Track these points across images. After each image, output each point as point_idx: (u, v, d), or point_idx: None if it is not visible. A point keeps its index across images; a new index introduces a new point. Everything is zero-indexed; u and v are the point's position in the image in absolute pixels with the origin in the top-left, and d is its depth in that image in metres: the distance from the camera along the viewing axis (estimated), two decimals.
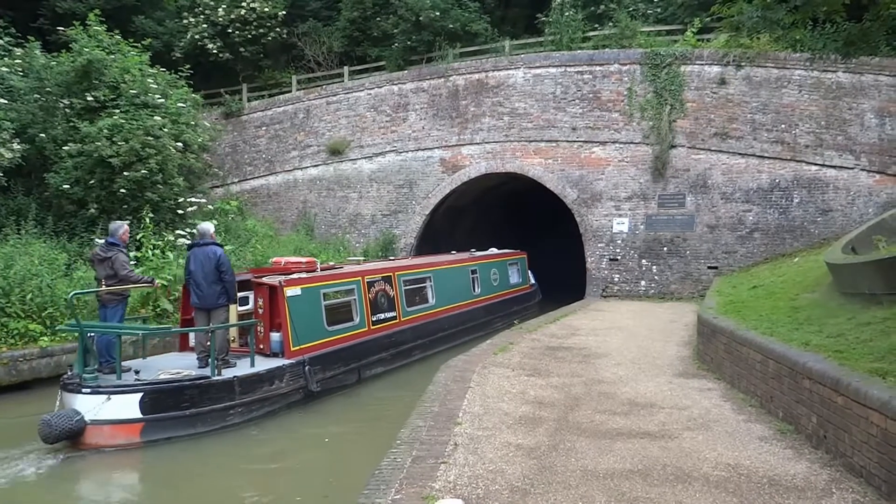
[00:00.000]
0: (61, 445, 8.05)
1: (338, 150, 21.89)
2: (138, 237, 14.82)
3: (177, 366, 9.35)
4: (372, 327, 12.23)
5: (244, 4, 23.75)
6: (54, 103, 16.56)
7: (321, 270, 11.84)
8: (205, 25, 23.89)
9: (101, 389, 8.32)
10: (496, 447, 6.11)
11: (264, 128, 22.92)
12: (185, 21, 24.35)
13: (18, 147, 15.33)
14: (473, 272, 16.76)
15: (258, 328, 10.33)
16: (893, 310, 7.06)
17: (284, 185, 22.68)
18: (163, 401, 8.47)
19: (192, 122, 17.91)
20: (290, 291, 10.39)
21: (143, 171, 15.39)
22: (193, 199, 17.33)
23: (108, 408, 8.19)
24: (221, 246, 9.71)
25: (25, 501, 6.96)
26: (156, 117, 16.07)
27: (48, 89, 16.65)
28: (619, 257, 19.07)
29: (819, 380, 5.88)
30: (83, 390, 8.28)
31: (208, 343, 9.11)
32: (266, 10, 24.11)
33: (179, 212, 16.73)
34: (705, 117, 18.32)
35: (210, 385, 8.81)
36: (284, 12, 24.81)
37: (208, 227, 9.78)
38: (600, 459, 5.79)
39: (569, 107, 19.44)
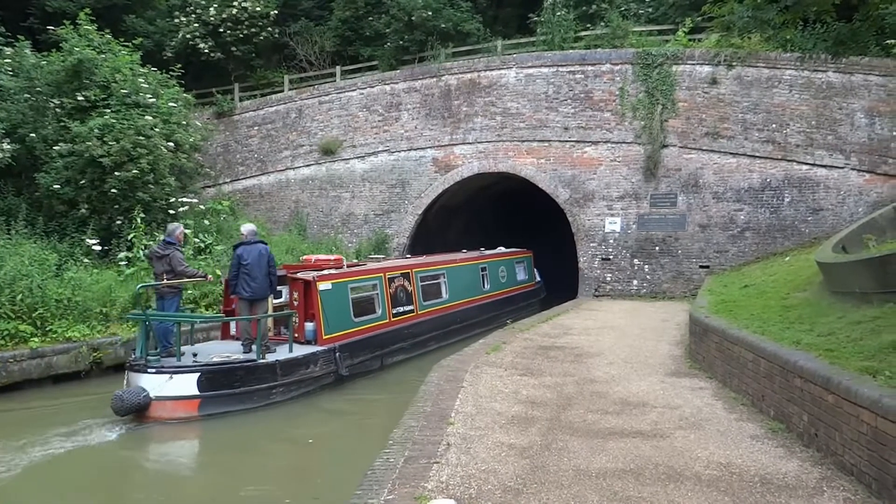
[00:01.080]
0: (130, 418, 9.08)
1: (330, 150, 21.84)
2: (129, 237, 14.75)
3: (223, 351, 10.39)
4: (392, 319, 13.35)
5: (236, 4, 23.64)
6: (44, 103, 16.46)
7: (347, 267, 13.00)
8: (196, 25, 23.78)
9: (164, 369, 9.46)
10: (489, 447, 6.11)
11: (256, 127, 22.85)
12: (176, 20, 24.23)
13: (8, 147, 15.25)
14: (483, 269, 17.72)
15: (293, 318, 11.27)
16: (884, 308, 7.10)
17: (276, 184, 22.63)
18: (217, 380, 9.61)
19: (184, 122, 17.83)
20: (322, 286, 11.51)
21: (134, 171, 15.31)
22: (185, 199, 17.26)
23: (170, 386, 9.35)
24: (266, 244, 10.81)
25: (103, 463, 8.13)
26: (147, 117, 15.99)
27: (38, 89, 16.56)
28: (611, 257, 19.10)
29: (810, 378, 5.91)
30: (148, 370, 9.42)
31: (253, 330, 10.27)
32: (258, 9, 24.01)
33: (171, 212, 16.63)
34: (697, 117, 18.37)
35: (256, 367, 9.95)
36: (276, 12, 24.71)
37: (253, 227, 11.00)
38: (593, 459, 5.80)
39: (561, 106, 19.46)
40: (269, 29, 24.66)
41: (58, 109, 16.24)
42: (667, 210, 18.65)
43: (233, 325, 11.78)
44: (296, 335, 11.04)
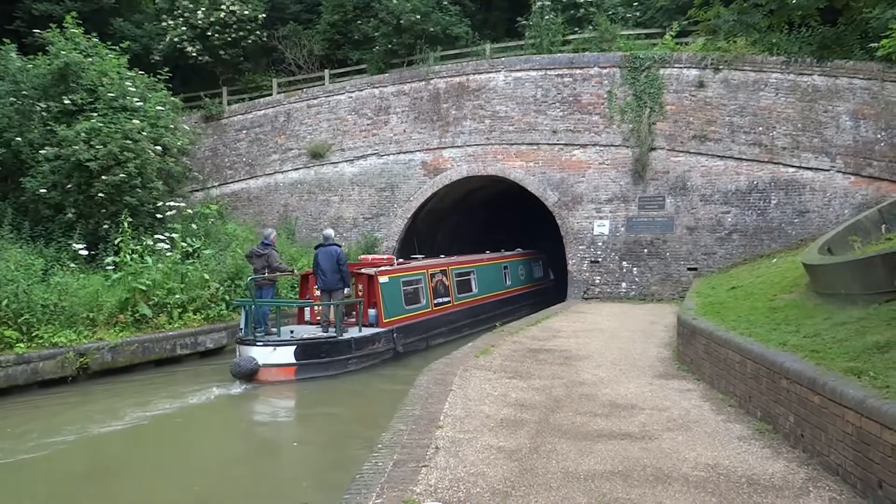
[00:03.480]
0: (242, 381, 11.59)
1: (319, 154, 21.81)
2: (116, 242, 14.65)
3: (306, 332, 12.89)
4: (434, 308, 15.85)
5: (223, 7, 23.56)
6: (31, 106, 16.34)
7: (397, 265, 15.30)
8: (184, 28, 23.67)
9: (269, 343, 12.02)
10: (477, 450, 6.11)
11: (244, 131, 22.79)
12: (163, 24, 24.10)
13: None
14: (505, 268, 20.15)
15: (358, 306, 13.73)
16: (868, 310, 7.16)
17: (265, 188, 22.57)
18: (309, 351, 12.18)
19: (172, 126, 17.74)
20: (382, 279, 14.03)
21: (121, 175, 15.23)
22: (173, 203, 17.16)
23: (274, 355, 11.89)
24: (340, 246, 13.28)
25: (229, 410, 10.95)
26: (134, 121, 15.91)
27: (24, 92, 16.43)
28: (599, 259, 19.16)
29: (796, 379, 5.95)
30: (257, 343, 11.97)
31: (330, 314, 12.86)
32: (246, 12, 23.93)
33: (158, 216, 16.56)
34: (684, 120, 18.48)
35: (337, 342, 12.55)
36: (264, 15, 24.65)
37: (331, 232, 13.58)
38: (581, 461, 5.81)
39: (549, 110, 19.53)
40: (258, 32, 24.58)
41: (44, 113, 16.14)
42: (655, 213, 18.73)
43: (307, 310, 14.50)
44: (356, 320, 13.48)
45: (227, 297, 15.18)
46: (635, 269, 18.84)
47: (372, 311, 13.86)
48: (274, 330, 12.56)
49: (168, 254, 15.05)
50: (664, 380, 9.02)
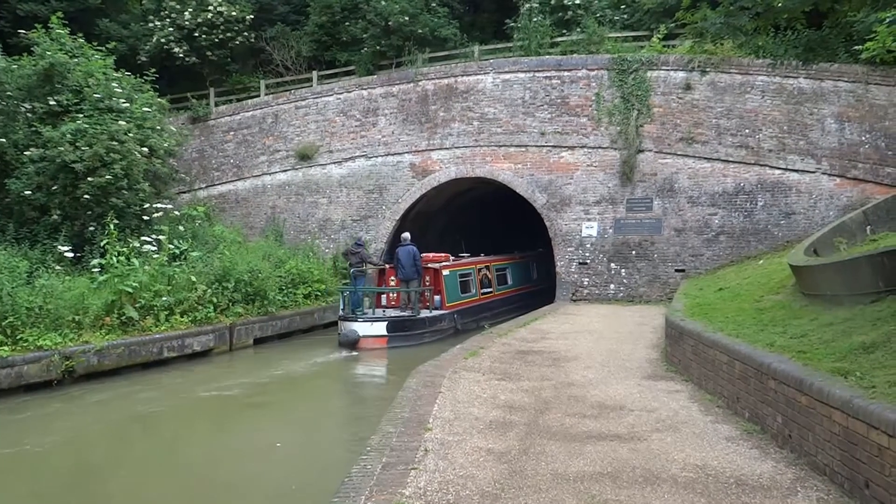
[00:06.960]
0: (348, 349, 14.93)
1: (307, 155, 21.75)
2: (102, 244, 14.51)
3: (389, 313, 16.33)
4: (481, 296, 19.10)
5: (211, 8, 23.48)
6: (15, 107, 16.19)
7: (452, 261, 18.42)
8: (171, 29, 23.57)
9: (367, 319, 15.41)
10: (467, 452, 6.10)
11: (232, 132, 22.68)
12: (150, 24, 23.99)
13: None
14: (532, 264, 23.47)
15: (425, 293, 17.00)
16: (854, 310, 7.22)
17: (253, 190, 22.47)
18: (397, 326, 15.54)
19: (158, 127, 17.63)
20: (445, 272, 17.54)
21: (107, 177, 15.11)
22: (159, 205, 17.05)
23: (371, 329, 15.17)
24: (416, 246, 16.51)
25: (338, 369, 14.16)
26: (120, 122, 15.80)
27: (9, 93, 16.27)
28: (588, 261, 19.20)
29: (783, 380, 5.98)
30: (358, 319, 15.26)
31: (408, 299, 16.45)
32: (233, 13, 23.87)
33: (145, 218, 16.45)
34: (671, 122, 18.56)
35: (417, 320, 16.02)
36: (252, 16, 24.59)
37: (408, 235, 16.95)
38: (570, 462, 5.82)
39: (537, 112, 19.56)
40: (245, 34, 24.52)
41: (29, 114, 16.00)
42: (643, 214, 18.79)
43: (383, 296, 17.59)
44: (427, 304, 16.90)
45: (215, 300, 15.08)
46: (623, 270, 18.90)
47: (437, 298, 17.15)
48: (369, 310, 16.02)
49: (155, 256, 14.91)
50: (652, 381, 9.04)
